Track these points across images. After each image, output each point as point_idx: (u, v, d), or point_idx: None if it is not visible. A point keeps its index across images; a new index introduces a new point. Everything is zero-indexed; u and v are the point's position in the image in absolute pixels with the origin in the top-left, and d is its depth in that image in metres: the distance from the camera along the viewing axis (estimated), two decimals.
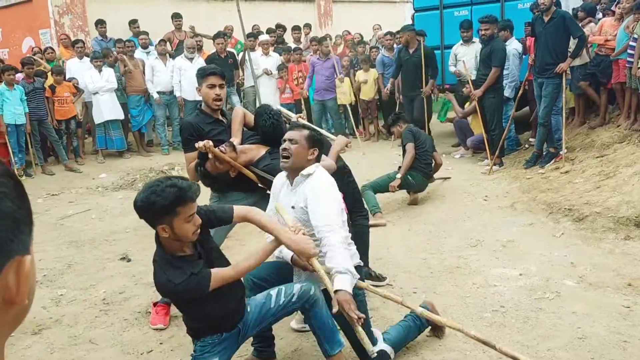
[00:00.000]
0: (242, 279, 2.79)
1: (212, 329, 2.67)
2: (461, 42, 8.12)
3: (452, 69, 8.21)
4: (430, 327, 3.34)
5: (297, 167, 2.96)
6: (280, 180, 3.14)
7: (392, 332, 3.17)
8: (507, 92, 7.61)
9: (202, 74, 3.65)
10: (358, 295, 2.86)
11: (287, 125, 3.88)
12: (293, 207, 2.94)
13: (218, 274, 2.52)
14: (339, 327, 2.88)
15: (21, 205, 0.71)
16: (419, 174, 5.97)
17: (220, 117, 3.69)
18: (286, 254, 3.00)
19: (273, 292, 2.82)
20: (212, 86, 3.60)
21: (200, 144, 3.32)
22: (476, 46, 7.84)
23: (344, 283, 2.58)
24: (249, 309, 2.78)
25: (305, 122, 4.24)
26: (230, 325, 2.70)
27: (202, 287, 2.47)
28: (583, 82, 7.25)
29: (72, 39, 10.10)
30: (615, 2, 7.16)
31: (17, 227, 0.69)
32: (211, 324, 2.66)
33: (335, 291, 2.59)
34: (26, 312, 0.75)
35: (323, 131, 4.32)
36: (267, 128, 3.63)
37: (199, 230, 2.50)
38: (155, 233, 2.51)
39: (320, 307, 2.80)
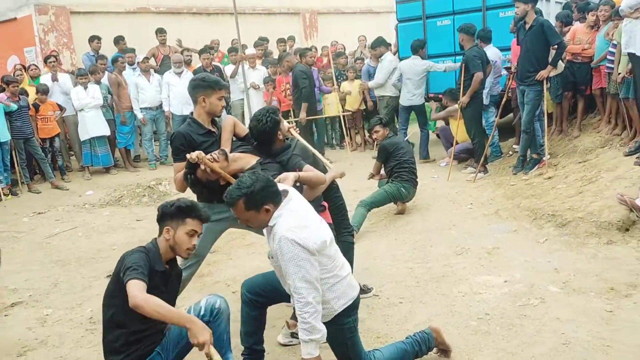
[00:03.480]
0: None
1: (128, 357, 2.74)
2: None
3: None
4: (436, 350, 3.28)
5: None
6: None
7: (385, 352, 3.13)
8: (485, 101, 7.69)
9: (215, 86, 3.65)
10: (347, 323, 2.86)
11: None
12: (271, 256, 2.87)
13: (143, 289, 2.56)
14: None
15: None
16: (410, 185, 6.00)
17: (212, 128, 3.70)
18: None
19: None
20: (221, 98, 3.69)
21: (193, 155, 3.32)
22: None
23: (305, 351, 2.68)
24: (167, 334, 2.93)
25: (296, 134, 4.25)
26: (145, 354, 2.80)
27: (139, 272, 2.60)
28: (567, 93, 7.36)
29: (60, 56, 10.10)
30: (587, 10, 7.25)
31: None
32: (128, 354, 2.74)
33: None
34: None
35: (317, 154, 4.29)
36: (267, 125, 3.55)
37: (191, 253, 2.88)
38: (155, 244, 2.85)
39: (221, 320, 3.02)
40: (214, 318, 3.00)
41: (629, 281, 3.96)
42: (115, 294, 2.68)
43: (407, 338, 3.23)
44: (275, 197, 2.73)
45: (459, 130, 7.61)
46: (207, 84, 3.66)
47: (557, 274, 4.22)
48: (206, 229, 3.64)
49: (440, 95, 8.39)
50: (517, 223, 5.37)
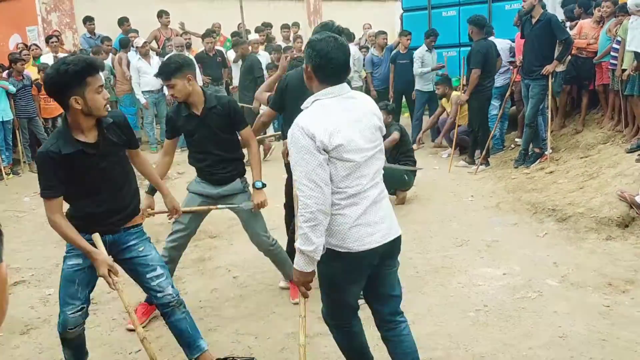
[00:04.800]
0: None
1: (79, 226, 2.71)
2: (426, 48, 8.62)
3: (418, 70, 8.67)
4: None
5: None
6: None
7: None
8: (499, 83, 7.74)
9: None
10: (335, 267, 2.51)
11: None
12: None
13: (52, 208, 2.62)
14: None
15: None
16: (411, 172, 6.04)
17: (194, 111, 3.60)
18: None
19: (160, 268, 2.96)
20: (167, 86, 3.61)
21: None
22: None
23: (297, 263, 2.39)
24: (138, 246, 2.92)
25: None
26: (91, 230, 2.77)
27: (42, 186, 2.62)
28: (565, 86, 7.35)
29: (62, 37, 10.05)
30: (594, 5, 7.24)
31: None
32: (78, 222, 2.72)
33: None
34: (2, 316, 0.79)
35: None
36: None
37: (108, 106, 2.67)
38: (64, 118, 2.68)
39: (178, 315, 2.96)
40: (168, 313, 2.97)
41: (626, 277, 4.01)
42: None
43: None
44: (328, 78, 2.40)
45: (460, 115, 7.63)
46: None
47: (555, 268, 4.26)
48: (191, 197, 3.74)
49: (437, 86, 8.32)
50: (517, 216, 5.41)
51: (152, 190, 3.62)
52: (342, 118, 2.37)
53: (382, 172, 2.53)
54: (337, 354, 3.25)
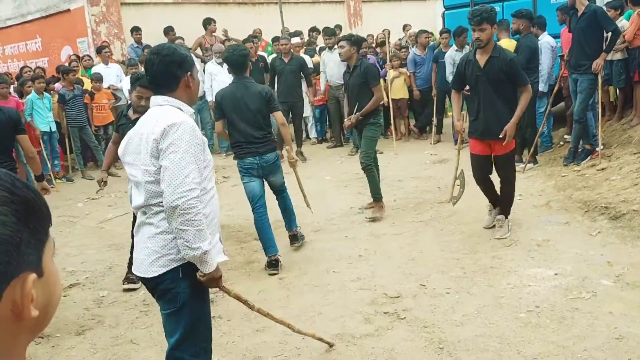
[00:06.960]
0: None
1: None
2: (456, 48, 8.39)
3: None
4: None
5: None
6: None
7: None
8: (541, 87, 7.47)
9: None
10: None
11: None
12: None
13: None
14: None
15: (21, 227, 0.72)
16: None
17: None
18: None
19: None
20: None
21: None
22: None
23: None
24: None
25: None
26: None
27: None
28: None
29: (111, 47, 10.41)
30: None
31: (16, 250, 0.71)
32: None
33: None
34: (47, 319, 0.77)
35: None
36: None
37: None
38: None
39: None
40: None
41: None
42: None
43: None
44: None
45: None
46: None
47: (610, 267, 4.12)
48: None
49: None
50: (568, 215, 5.25)
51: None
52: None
53: (160, 208, 2.27)
54: (384, 356, 3.25)
